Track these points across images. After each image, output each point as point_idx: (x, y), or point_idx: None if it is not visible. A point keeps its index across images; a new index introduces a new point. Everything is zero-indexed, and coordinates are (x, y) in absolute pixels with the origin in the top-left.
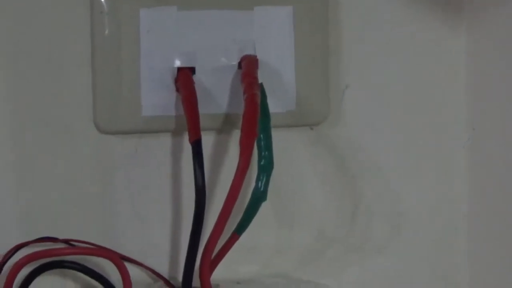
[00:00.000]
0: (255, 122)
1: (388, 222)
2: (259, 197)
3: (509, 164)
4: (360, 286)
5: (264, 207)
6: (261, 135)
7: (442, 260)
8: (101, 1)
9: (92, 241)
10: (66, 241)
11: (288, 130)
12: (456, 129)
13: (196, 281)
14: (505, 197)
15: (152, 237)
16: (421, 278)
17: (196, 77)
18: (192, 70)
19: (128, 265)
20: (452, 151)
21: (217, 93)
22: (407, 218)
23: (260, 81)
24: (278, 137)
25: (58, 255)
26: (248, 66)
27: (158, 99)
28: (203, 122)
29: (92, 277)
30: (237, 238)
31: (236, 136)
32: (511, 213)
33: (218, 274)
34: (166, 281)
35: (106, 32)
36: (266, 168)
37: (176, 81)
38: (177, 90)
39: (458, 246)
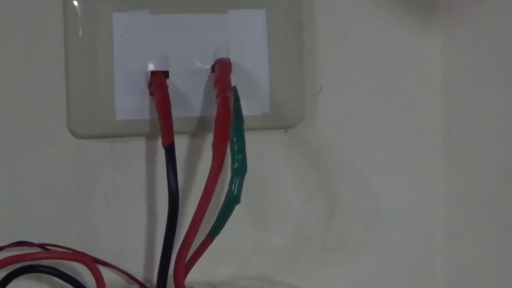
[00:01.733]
0: (227, 125)
1: (365, 222)
2: (232, 200)
3: (484, 163)
4: (338, 286)
5: (240, 210)
6: (234, 138)
7: (420, 258)
8: (75, 5)
9: (68, 245)
10: (41, 246)
11: (262, 132)
12: (432, 129)
13: (170, 284)
14: (481, 194)
15: (128, 240)
16: (398, 276)
17: (169, 81)
18: (165, 74)
19: (103, 269)
20: (428, 151)
21: (191, 97)
22: (384, 218)
23: (234, 84)
24: (252, 140)
25: (32, 260)
26: (221, 70)
27: (132, 103)
28: (176, 126)
29: (67, 281)
30: (211, 241)
31: (210, 139)
32: (487, 211)
33: (194, 276)
34: (141, 284)
35: (80, 36)
36: (239, 171)
37: (150, 85)
38: (151, 94)
39: (436, 244)
